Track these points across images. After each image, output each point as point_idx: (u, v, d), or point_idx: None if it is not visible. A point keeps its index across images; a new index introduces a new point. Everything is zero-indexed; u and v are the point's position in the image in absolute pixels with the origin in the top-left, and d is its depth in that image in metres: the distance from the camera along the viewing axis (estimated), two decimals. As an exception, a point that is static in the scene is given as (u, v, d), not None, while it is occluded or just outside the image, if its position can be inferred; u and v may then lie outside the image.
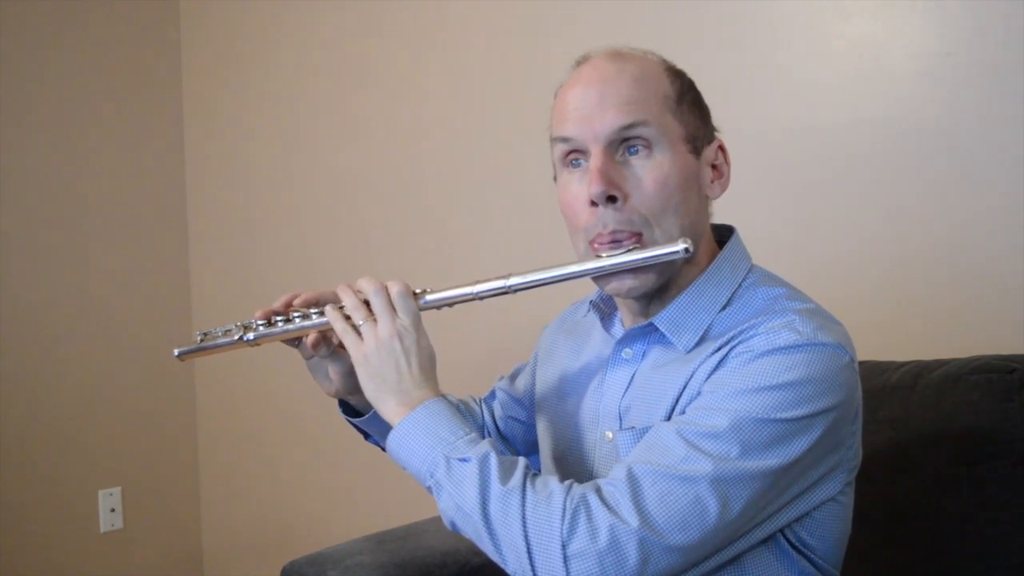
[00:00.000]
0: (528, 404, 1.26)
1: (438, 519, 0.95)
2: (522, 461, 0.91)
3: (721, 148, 1.03)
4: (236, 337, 1.11)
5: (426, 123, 2.26)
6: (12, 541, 2.51)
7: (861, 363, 1.17)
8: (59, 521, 2.61)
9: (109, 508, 2.71)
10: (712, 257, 1.02)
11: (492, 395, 1.32)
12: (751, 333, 0.92)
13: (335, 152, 2.48)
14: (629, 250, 0.94)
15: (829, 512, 0.96)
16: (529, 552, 0.85)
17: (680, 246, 0.92)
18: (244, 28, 2.72)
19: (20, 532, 2.53)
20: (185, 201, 2.90)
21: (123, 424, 2.74)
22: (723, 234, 1.06)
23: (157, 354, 2.72)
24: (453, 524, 0.92)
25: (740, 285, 1.00)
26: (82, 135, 2.69)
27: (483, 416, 1.31)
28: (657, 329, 0.99)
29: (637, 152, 0.95)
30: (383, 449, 1.20)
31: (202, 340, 1.14)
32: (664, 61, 1.02)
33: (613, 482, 0.87)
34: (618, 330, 1.08)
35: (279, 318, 1.09)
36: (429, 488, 0.93)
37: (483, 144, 2.15)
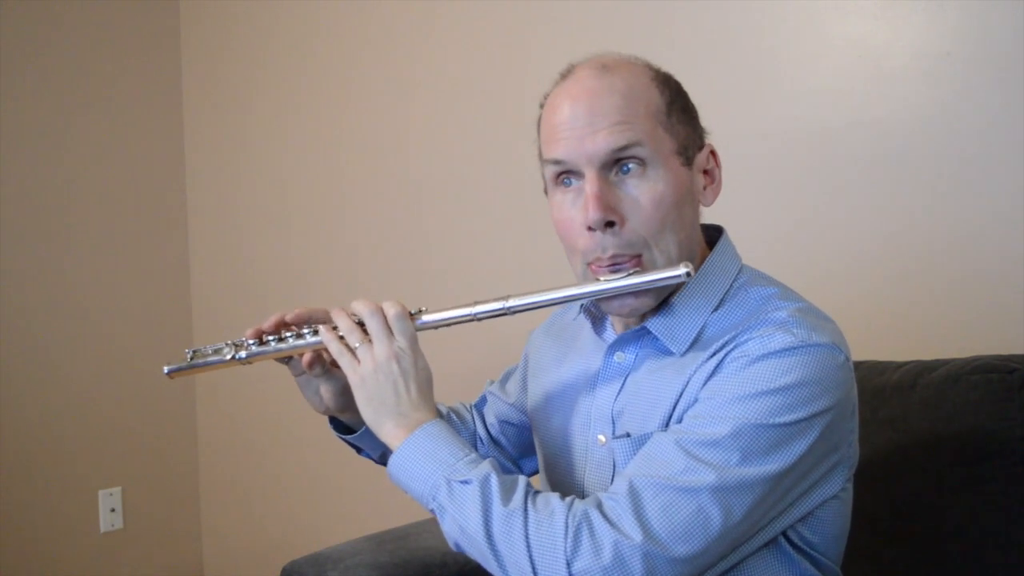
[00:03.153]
0: (519, 408, 1.25)
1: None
2: (523, 480, 0.91)
3: (712, 152, 1.02)
4: (228, 357, 1.09)
5: (428, 131, 2.26)
6: (12, 541, 2.51)
7: (861, 363, 1.17)
8: (59, 521, 2.61)
9: (109, 508, 2.71)
10: (702, 259, 1.01)
11: (483, 400, 1.31)
12: (745, 337, 0.91)
13: (336, 156, 2.48)
14: (630, 274, 0.94)
15: (830, 509, 0.96)
16: (535, 572, 0.85)
17: (682, 271, 0.92)
18: (244, 29, 2.72)
19: (20, 532, 2.53)
20: (185, 204, 2.90)
21: (123, 424, 2.74)
22: (712, 234, 1.05)
23: (157, 355, 2.71)
24: (457, 545, 0.92)
25: (731, 285, 0.99)
26: (82, 137, 2.69)
27: (474, 423, 1.30)
28: (650, 332, 0.99)
29: (630, 171, 0.94)
30: (376, 462, 1.20)
31: (192, 358, 1.11)
32: (650, 68, 0.99)
33: (614, 496, 0.87)
34: (610, 334, 1.06)
35: (271, 337, 1.08)
36: (432, 511, 0.93)
37: (484, 153, 2.14)
